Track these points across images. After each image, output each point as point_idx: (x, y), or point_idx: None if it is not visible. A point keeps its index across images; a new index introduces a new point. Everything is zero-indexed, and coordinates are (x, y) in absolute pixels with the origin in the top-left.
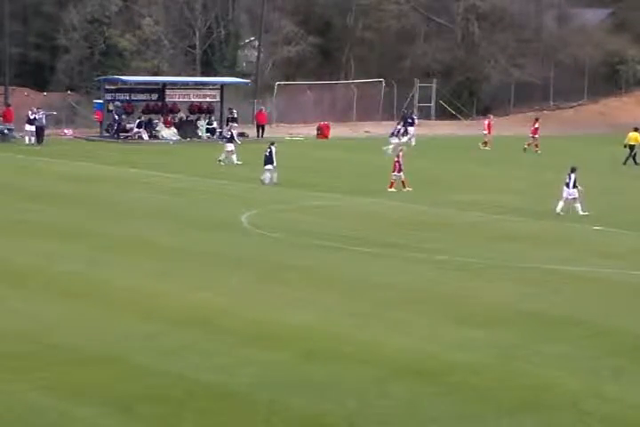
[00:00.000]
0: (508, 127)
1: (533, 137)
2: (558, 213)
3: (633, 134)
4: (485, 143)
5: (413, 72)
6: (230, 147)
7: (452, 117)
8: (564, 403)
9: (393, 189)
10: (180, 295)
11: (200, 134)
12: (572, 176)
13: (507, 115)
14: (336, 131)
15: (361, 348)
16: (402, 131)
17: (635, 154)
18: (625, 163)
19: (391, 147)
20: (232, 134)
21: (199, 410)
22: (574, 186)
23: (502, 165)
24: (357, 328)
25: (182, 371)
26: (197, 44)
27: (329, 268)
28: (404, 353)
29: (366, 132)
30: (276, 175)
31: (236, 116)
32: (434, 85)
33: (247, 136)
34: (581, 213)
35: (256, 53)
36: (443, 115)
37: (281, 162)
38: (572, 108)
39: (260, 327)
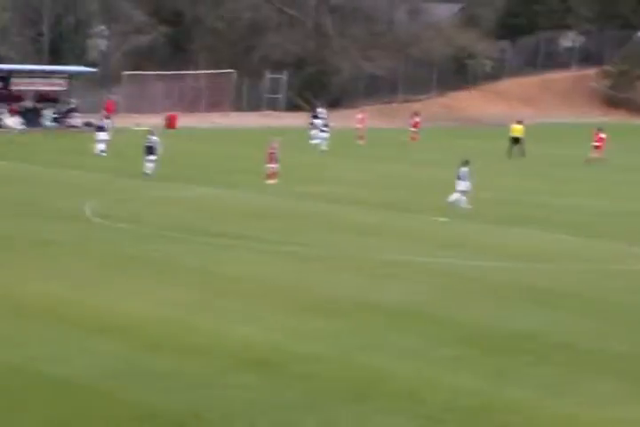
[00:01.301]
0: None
1: (414, 130)
2: (454, 206)
3: (516, 127)
4: (361, 137)
5: (264, 63)
6: (102, 136)
7: (302, 109)
8: (402, 392)
9: (271, 181)
10: (19, 285)
11: (46, 123)
12: (464, 169)
13: (356, 107)
14: (184, 121)
15: (204, 339)
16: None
17: (521, 146)
18: (510, 156)
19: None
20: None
21: (40, 401)
22: (464, 179)
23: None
24: (201, 319)
25: (22, 362)
26: (45, 31)
27: (173, 259)
28: (248, 344)
29: (213, 122)
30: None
31: (74, 106)
32: (284, 77)
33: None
34: (465, 206)
35: (106, 42)
36: (293, 107)
37: (128, 152)
38: (420, 101)
39: (103, 318)
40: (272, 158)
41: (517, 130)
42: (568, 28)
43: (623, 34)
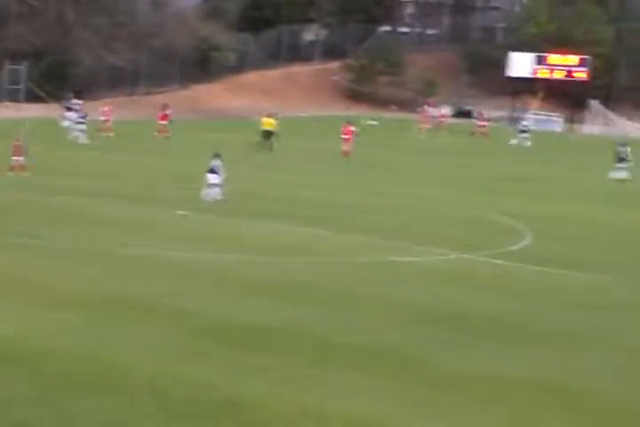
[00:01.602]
0: (100, 112)
1: (162, 123)
2: (205, 199)
3: (267, 120)
4: (108, 129)
5: (4, 54)
6: None
7: (43, 100)
8: (142, 385)
9: (16, 174)
10: None
11: None
12: (215, 162)
13: (99, 99)
14: None
15: None
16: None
17: (270, 139)
18: (260, 148)
19: None
20: None
21: None
22: (216, 172)
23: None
24: None
25: None
26: None
27: None
28: None
29: None
30: None
31: None
32: (23, 68)
33: None
34: (220, 198)
35: None
36: (33, 97)
37: None
38: (162, 93)
39: None
40: (17, 151)
41: (268, 123)
42: (311, 21)
43: (366, 28)
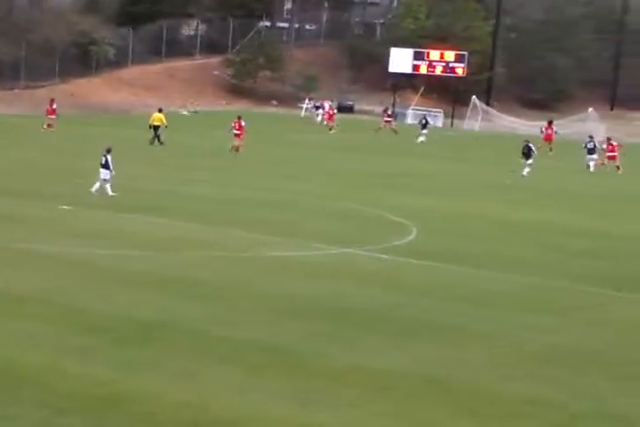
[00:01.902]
0: None
1: (51, 117)
2: (93, 193)
3: (157, 115)
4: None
5: None
6: None
7: None
8: (27, 381)
9: None
10: None
11: None
12: (108, 157)
13: None
14: None
15: None
16: None
17: (159, 134)
18: (152, 143)
19: None
20: None
21: None
22: (107, 167)
23: None
24: None
25: None
26: None
27: None
28: None
29: None
30: None
31: None
32: None
33: None
34: (110, 193)
35: None
36: None
37: None
38: (43, 87)
39: None
40: None
41: (157, 118)
42: (190, 16)
43: (245, 23)
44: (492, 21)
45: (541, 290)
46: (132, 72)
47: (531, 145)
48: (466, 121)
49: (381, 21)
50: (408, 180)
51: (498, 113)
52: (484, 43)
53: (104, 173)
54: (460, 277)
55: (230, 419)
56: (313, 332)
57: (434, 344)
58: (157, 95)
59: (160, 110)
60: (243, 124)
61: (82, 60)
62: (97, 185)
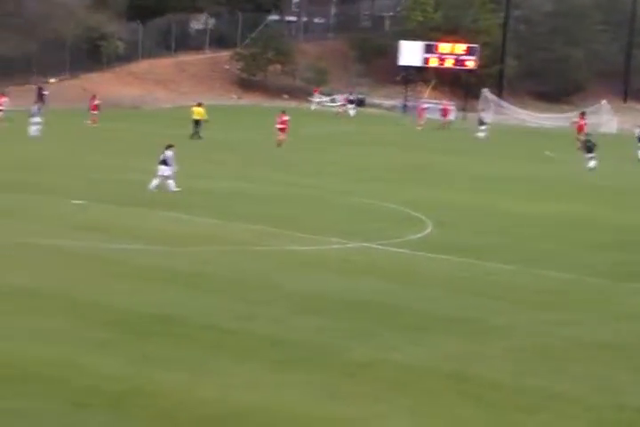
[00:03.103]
0: None
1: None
2: (151, 190)
3: (197, 109)
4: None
5: None
6: None
7: None
8: (46, 376)
9: None
10: None
11: None
12: (168, 153)
13: None
14: None
15: None
16: None
17: (197, 129)
18: (192, 137)
19: None
20: None
21: None
22: (169, 164)
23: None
24: None
25: None
26: None
27: None
28: None
29: None
30: None
31: None
32: None
33: None
34: (174, 189)
35: None
36: None
37: None
38: (54, 82)
39: None
40: None
41: (197, 112)
42: (199, 10)
43: (254, 17)
44: (501, 13)
45: (562, 283)
46: (142, 66)
47: (592, 140)
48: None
49: (390, 14)
50: (423, 173)
51: (511, 106)
52: (494, 35)
53: (164, 170)
54: (478, 270)
55: (250, 414)
56: (331, 326)
57: (453, 338)
58: (168, 89)
59: (199, 104)
60: (286, 118)
61: (92, 54)
62: (155, 182)
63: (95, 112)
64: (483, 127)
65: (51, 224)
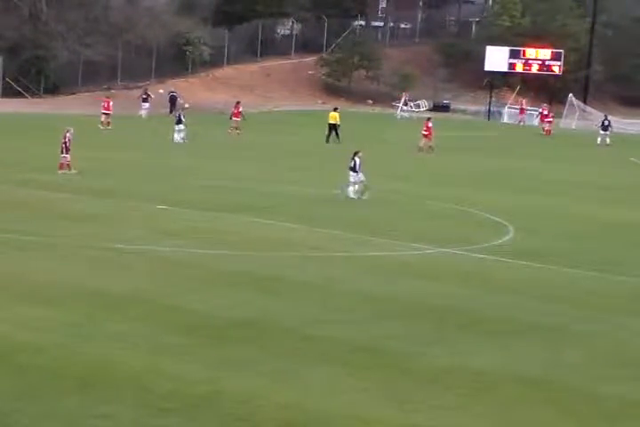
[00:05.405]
0: (79, 106)
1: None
2: (352, 198)
3: (332, 114)
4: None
5: None
6: None
7: (19, 95)
8: (126, 381)
9: (64, 171)
10: None
11: None
12: (356, 160)
13: (74, 93)
14: None
15: None
16: None
17: (336, 132)
18: (327, 141)
19: None
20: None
21: None
22: (358, 170)
23: None
24: None
25: None
26: None
27: None
28: None
29: None
30: None
31: None
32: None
33: None
34: (351, 195)
35: None
36: (10, 92)
37: None
38: (139, 87)
39: None
40: (63, 149)
41: (333, 116)
42: (285, 15)
43: (340, 22)
44: (588, 19)
45: None
46: (227, 72)
47: None
48: (562, 120)
49: (476, 19)
50: (505, 178)
51: (595, 111)
52: (581, 40)
53: (354, 176)
54: (558, 277)
55: (328, 419)
56: (412, 332)
57: (534, 345)
58: (253, 95)
59: (335, 109)
60: (430, 125)
61: (178, 60)
62: (351, 189)
63: (237, 119)
64: (606, 132)
65: (135, 229)
